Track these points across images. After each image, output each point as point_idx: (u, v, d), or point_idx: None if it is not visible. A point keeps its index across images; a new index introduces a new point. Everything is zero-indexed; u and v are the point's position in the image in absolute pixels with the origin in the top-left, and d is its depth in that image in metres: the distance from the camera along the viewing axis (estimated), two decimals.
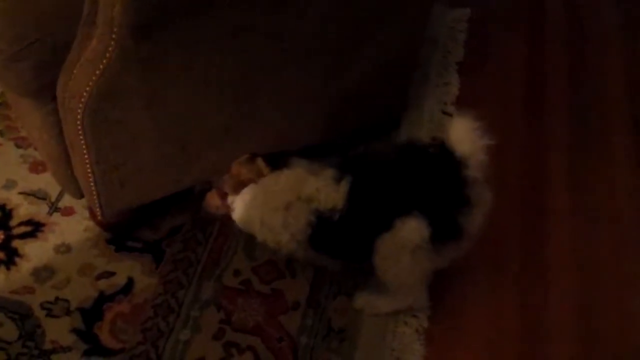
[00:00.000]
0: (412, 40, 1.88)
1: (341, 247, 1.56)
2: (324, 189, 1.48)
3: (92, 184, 1.58)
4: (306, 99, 1.72)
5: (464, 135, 1.44)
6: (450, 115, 2.12)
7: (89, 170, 1.55)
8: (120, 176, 1.58)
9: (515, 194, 1.95)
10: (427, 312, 1.67)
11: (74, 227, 1.79)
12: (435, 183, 1.45)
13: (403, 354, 1.61)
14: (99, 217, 1.70)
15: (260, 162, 1.55)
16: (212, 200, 1.63)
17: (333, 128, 1.83)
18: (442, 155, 1.45)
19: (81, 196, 1.70)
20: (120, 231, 1.77)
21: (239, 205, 1.57)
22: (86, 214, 1.81)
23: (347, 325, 1.65)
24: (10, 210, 1.81)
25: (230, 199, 1.59)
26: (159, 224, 1.81)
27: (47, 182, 1.87)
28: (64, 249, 1.75)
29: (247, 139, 1.67)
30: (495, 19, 2.50)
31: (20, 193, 1.85)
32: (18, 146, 1.95)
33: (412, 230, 1.44)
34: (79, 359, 1.56)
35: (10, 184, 1.87)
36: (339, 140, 1.78)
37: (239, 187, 1.56)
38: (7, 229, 1.78)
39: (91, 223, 1.79)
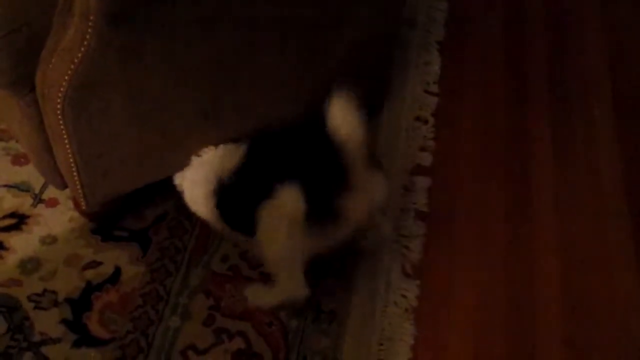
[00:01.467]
0: (391, 20, 1.88)
1: (232, 215, 1.59)
2: (220, 152, 1.57)
3: (75, 174, 1.57)
4: (286, 82, 1.71)
5: (343, 115, 1.41)
6: (433, 94, 2.12)
7: (71, 161, 1.54)
8: (102, 165, 1.57)
9: (500, 171, 1.96)
10: (415, 292, 1.68)
11: (59, 218, 1.78)
12: (321, 161, 1.45)
13: (393, 334, 1.62)
14: (84, 207, 1.68)
15: None
16: None
17: (315, 110, 1.82)
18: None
19: (65, 187, 1.68)
20: (106, 221, 1.76)
21: (185, 185, 1.66)
22: (70, 204, 1.80)
23: (336, 307, 1.65)
24: None
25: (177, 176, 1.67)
26: (144, 213, 1.80)
27: (30, 174, 1.85)
28: (49, 240, 1.74)
29: (227, 124, 1.66)
30: None
31: (3, 186, 1.84)
32: None
33: (289, 198, 1.46)
34: (68, 350, 1.56)
35: None
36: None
37: None
38: None
39: (76, 213, 1.78)
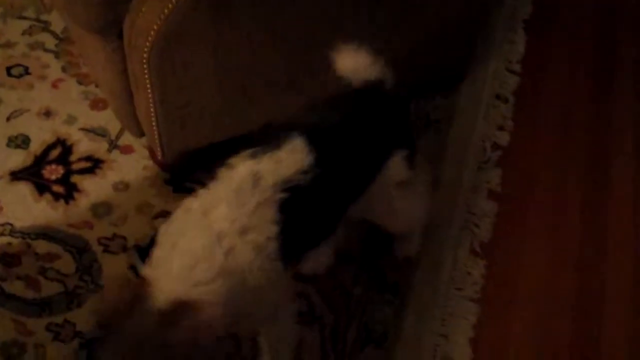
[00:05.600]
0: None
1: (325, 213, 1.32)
2: (274, 159, 1.22)
3: (154, 123, 1.58)
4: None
5: (355, 62, 1.38)
6: (515, 73, 2.08)
7: (151, 110, 1.55)
8: (182, 117, 1.58)
9: (579, 158, 1.91)
10: (482, 271, 1.66)
11: (133, 165, 1.80)
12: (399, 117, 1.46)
13: (456, 311, 1.60)
14: (159, 157, 1.70)
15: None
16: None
17: (398, 82, 1.80)
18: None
19: (141, 135, 1.70)
20: (179, 172, 1.77)
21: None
22: (145, 153, 1.81)
23: (400, 279, 1.64)
24: (71, 146, 1.83)
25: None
26: (217, 169, 1.80)
27: (107, 119, 1.87)
28: (122, 186, 1.76)
29: (309, 93, 1.65)
30: None
31: (81, 129, 1.86)
32: (80, 82, 1.96)
33: (397, 166, 1.38)
34: None
35: (71, 120, 1.88)
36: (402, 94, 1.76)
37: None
38: (66, 164, 1.80)
39: (150, 162, 1.80)
